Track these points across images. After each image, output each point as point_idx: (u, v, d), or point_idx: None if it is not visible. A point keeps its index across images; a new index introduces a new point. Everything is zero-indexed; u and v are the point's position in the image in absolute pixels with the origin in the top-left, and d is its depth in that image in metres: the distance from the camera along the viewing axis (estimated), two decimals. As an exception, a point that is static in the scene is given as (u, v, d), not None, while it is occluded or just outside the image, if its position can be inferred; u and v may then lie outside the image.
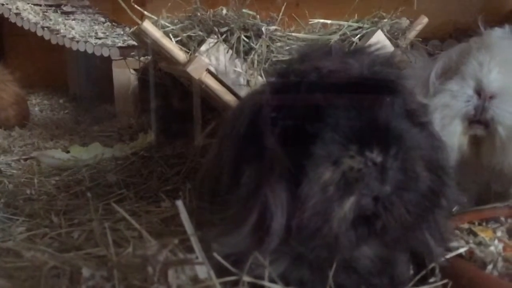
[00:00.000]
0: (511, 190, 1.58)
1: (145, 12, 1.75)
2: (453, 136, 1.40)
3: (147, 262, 0.85)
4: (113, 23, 4.03)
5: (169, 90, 2.20)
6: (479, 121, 1.39)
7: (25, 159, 2.47)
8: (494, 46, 1.43)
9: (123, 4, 1.80)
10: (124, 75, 3.18)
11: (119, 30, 3.82)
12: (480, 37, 1.51)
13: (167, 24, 1.69)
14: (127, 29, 3.58)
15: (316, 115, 0.95)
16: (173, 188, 1.91)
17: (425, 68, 1.64)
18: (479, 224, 1.35)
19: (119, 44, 3.46)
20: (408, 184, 0.93)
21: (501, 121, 1.36)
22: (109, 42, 3.51)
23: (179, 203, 0.86)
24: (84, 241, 1.38)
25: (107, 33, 3.73)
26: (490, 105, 1.37)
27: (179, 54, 1.63)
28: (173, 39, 1.66)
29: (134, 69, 2.75)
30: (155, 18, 1.77)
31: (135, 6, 1.82)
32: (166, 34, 1.66)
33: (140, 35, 1.74)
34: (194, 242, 0.85)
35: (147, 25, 1.60)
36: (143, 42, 1.88)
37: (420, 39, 1.89)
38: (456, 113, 1.39)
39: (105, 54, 3.34)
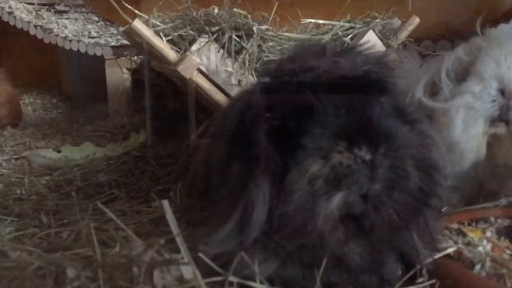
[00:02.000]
0: (504, 190, 1.59)
1: (136, 11, 1.74)
2: (475, 137, 1.39)
3: (133, 263, 0.84)
4: (107, 22, 4.01)
5: (162, 90, 2.19)
6: (501, 119, 1.39)
7: (16, 159, 2.46)
8: (506, 42, 1.42)
9: (114, 4, 1.79)
10: (117, 74, 3.16)
11: (113, 30, 3.81)
12: (487, 35, 1.50)
13: (158, 23, 1.68)
14: (120, 28, 3.56)
15: (306, 114, 0.95)
16: (165, 188, 1.90)
17: (417, 69, 1.64)
18: (469, 224, 1.35)
19: (112, 44, 3.45)
20: (398, 183, 0.93)
21: None
22: (102, 41, 3.49)
23: (165, 202, 0.85)
24: (73, 241, 1.37)
25: (101, 32, 3.71)
26: None
27: (170, 53, 1.62)
28: (164, 38, 1.65)
29: (127, 69, 2.74)
30: (147, 17, 1.76)
31: (127, 5, 1.81)
32: (157, 33, 1.65)
33: (131, 34, 1.73)
34: (180, 242, 0.84)
35: (138, 24, 1.59)
36: (135, 41, 1.87)
37: (412, 39, 1.89)
38: (481, 114, 1.38)
39: (98, 54, 3.33)
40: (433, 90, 1.49)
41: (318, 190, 0.88)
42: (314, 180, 0.88)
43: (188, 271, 0.85)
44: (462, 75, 1.44)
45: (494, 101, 1.37)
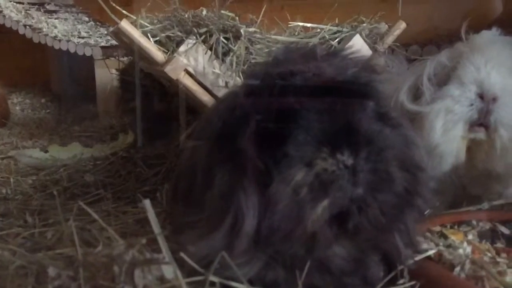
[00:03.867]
0: (487, 194, 1.61)
1: (124, 11, 1.74)
2: (454, 140, 1.41)
3: (114, 262, 0.84)
4: (97, 23, 4.00)
5: (149, 91, 2.19)
6: (481, 124, 1.41)
7: (2, 158, 2.45)
8: (487, 48, 1.45)
9: (102, 4, 1.79)
10: (107, 75, 3.15)
11: (103, 30, 3.80)
12: (470, 41, 1.52)
13: (146, 24, 1.69)
14: (110, 29, 3.55)
15: (289, 117, 0.95)
16: (151, 189, 1.90)
17: (403, 74, 1.66)
18: (451, 227, 1.36)
19: (102, 44, 3.44)
20: (382, 185, 0.94)
21: (504, 123, 1.38)
22: (92, 41, 3.48)
23: (147, 202, 0.85)
24: (57, 241, 1.37)
25: (90, 33, 3.70)
26: (494, 108, 1.38)
27: (157, 54, 1.63)
28: (151, 39, 1.65)
29: (116, 69, 2.74)
30: (135, 18, 1.76)
31: (115, 6, 1.81)
32: (145, 34, 1.65)
33: (119, 34, 1.73)
34: (161, 241, 0.84)
35: (125, 25, 1.60)
36: (123, 41, 1.87)
37: (400, 44, 1.91)
38: (460, 117, 1.40)
39: (88, 54, 3.32)
40: (416, 94, 1.51)
41: (303, 198, 0.89)
42: (299, 189, 0.89)
43: (169, 270, 0.85)
44: (444, 79, 1.46)
45: (472, 104, 1.39)
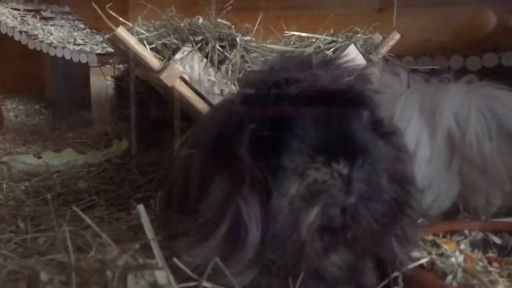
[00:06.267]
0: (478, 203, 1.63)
1: (120, 18, 1.75)
2: None
3: (106, 267, 0.84)
4: (93, 30, 4.00)
5: (145, 98, 2.19)
6: None
7: (-4, 164, 2.43)
8: None
9: (99, 11, 1.80)
10: (102, 82, 3.16)
11: (99, 37, 3.80)
12: None
13: (142, 31, 1.69)
14: (106, 36, 3.55)
15: (285, 126, 0.96)
16: (145, 196, 1.90)
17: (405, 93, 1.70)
18: (444, 236, 1.37)
19: (98, 51, 3.44)
20: (373, 195, 0.95)
21: None
22: (87, 48, 3.48)
23: (140, 207, 0.85)
24: (49, 247, 1.36)
25: (86, 40, 3.70)
26: None
27: (153, 61, 1.63)
28: (147, 46, 1.66)
29: (111, 76, 2.74)
30: (131, 25, 1.77)
31: (112, 13, 1.82)
32: (141, 41, 1.65)
33: (115, 41, 1.73)
34: (154, 246, 0.84)
35: (121, 32, 1.60)
36: (119, 49, 1.88)
37: (392, 54, 1.92)
38: None
39: (83, 61, 3.32)
40: None
41: (297, 207, 0.90)
42: (293, 199, 0.90)
43: (162, 276, 0.85)
44: None
45: None
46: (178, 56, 1.63)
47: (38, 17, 3.94)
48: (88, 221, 0.92)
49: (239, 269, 0.94)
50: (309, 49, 1.79)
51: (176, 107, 1.79)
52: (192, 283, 0.88)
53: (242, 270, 0.95)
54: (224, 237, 0.92)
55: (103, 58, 3.30)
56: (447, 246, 1.27)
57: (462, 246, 1.30)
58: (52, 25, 3.84)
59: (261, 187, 0.92)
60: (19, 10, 3.88)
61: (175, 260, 0.86)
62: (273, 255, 0.92)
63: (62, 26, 3.93)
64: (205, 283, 0.86)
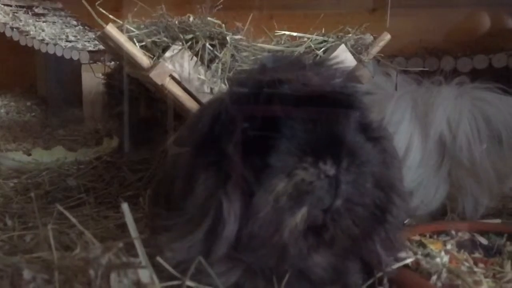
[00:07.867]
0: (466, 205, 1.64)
1: (110, 16, 1.74)
2: None
3: (89, 265, 0.84)
4: (86, 27, 3.98)
5: (135, 96, 2.18)
6: None
7: (-16, 161, 2.41)
8: None
9: (89, 8, 1.79)
10: (93, 79, 3.14)
11: (91, 34, 3.77)
12: None
13: (132, 28, 1.68)
14: (98, 33, 3.54)
15: (274, 125, 0.96)
16: (134, 194, 1.90)
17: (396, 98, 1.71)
18: (430, 237, 1.38)
19: (90, 48, 3.42)
20: (357, 198, 0.95)
21: None
22: (79, 45, 3.46)
23: (124, 205, 0.85)
24: (36, 244, 1.35)
25: (78, 37, 3.68)
26: None
27: (143, 59, 1.62)
28: (137, 44, 1.65)
29: (102, 74, 2.73)
30: (122, 22, 1.76)
31: (102, 10, 1.81)
32: (131, 38, 1.65)
33: (105, 39, 1.72)
34: (138, 245, 0.84)
35: (111, 29, 1.59)
36: (109, 46, 1.87)
37: (383, 55, 1.93)
38: None
39: (75, 58, 3.30)
40: None
41: (282, 207, 0.90)
42: (279, 198, 0.90)
43: (146, 275, 0.85)
44: None
45: None
46: (168, 54, 1.62)
47: (30, 13, 3.91)
48: (72, 219, 0.91)
49: (220, 268, 0.94)
50: (300, 49, 1.79)
51: (166, 105, 1.79)
52: (176, 282, 0.88)
53: (226, 270, 0.95)
54: (206, 233, 0.92)
55: (95, 55, 3.28)
56: (433, 247, 1.27)
57: (449, 246, 1.31)
58: (44, 22, 3.82)
59: (246, 185, 0.91)
60: (11, 6, 3.85)
61: (158, 259, 0.86)
62: (252, 253, 0.92)
63: (54, 22, 3.91)
64: (188, 282, 0.85)
